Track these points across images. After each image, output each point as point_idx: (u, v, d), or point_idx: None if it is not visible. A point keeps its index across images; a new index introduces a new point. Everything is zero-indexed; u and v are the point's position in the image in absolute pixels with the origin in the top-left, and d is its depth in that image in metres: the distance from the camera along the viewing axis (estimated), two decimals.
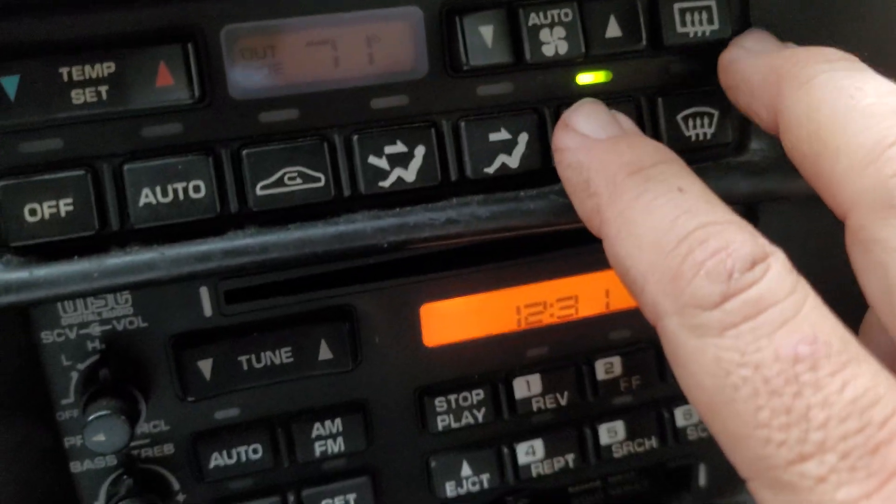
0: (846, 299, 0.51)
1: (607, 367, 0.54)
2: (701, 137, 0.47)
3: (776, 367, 0.30)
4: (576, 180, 0.39)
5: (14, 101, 0.38)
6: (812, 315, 0.31)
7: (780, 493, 0.30)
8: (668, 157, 0.38)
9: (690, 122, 0.46)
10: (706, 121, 0.46)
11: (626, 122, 0.42)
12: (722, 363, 0.31)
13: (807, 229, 0.53)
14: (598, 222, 0.38)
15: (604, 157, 0.38)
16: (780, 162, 0.47)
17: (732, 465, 0.32)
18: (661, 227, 0.34)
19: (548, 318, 0.53)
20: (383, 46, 0.42)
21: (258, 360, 0.47)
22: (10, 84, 0.38)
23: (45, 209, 0.39)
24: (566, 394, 0.54)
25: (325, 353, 0.48)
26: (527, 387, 0.53)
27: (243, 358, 0.47)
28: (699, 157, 0.47)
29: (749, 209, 0.53)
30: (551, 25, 0.42)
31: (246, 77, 0.41)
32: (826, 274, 0.52)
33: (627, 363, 0.55)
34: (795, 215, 0.53)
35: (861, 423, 0.29)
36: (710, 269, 0.32)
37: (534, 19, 0.42)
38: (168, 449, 0.49)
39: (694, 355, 0.32)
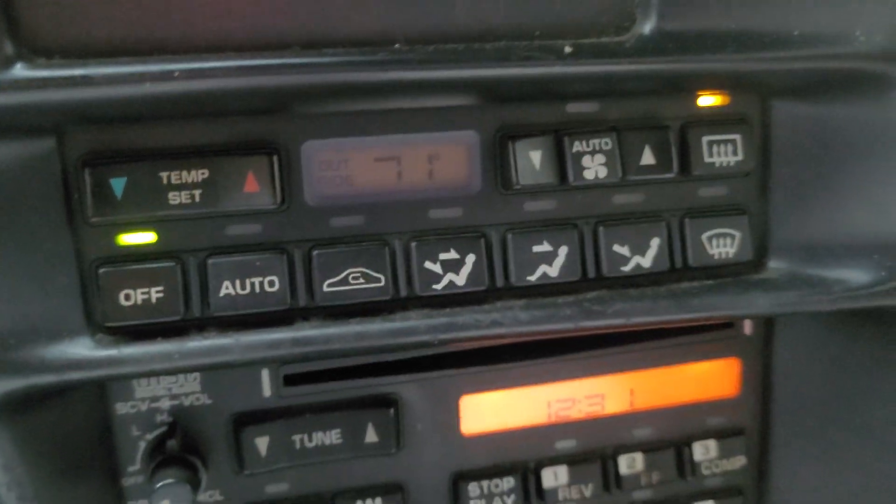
0: (853, 402, 0.55)
1: (629, 463, 0.58)
2: (723, 256, 0.51)
3: None
4: None
5: (120, 200, 0.43)
6: None
7: None
8: None
9: (714, 242, 0.51)
10: (728, 241, 0.51)
11: None
12: None
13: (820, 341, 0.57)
14: None
15: None
16: (796, 280, 0.51)
17: None
18: None
19: (576, 414, 0.57)
20: (442, 164, 0.47)
21: (310, 440, 0.51)
22: (118, 185, 0.43)
23: (139, 295, 0.44)
24: (590, 486, 0.57)
25: (371, 436, 0.52)
26: (554, 477, 0.56)
27: (297, 437, 0.51)
28: (721, 274, 0.51)
29: (767, 321, 0.58)
30: (593, 153, 0.47)
31: (320, 186, 0.46)
32: (837, 383, 0.56)
33: (649, 460, 0.58)
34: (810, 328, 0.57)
35: None
36: None
37: (577, 146, 0.47)
38: None
39: None
